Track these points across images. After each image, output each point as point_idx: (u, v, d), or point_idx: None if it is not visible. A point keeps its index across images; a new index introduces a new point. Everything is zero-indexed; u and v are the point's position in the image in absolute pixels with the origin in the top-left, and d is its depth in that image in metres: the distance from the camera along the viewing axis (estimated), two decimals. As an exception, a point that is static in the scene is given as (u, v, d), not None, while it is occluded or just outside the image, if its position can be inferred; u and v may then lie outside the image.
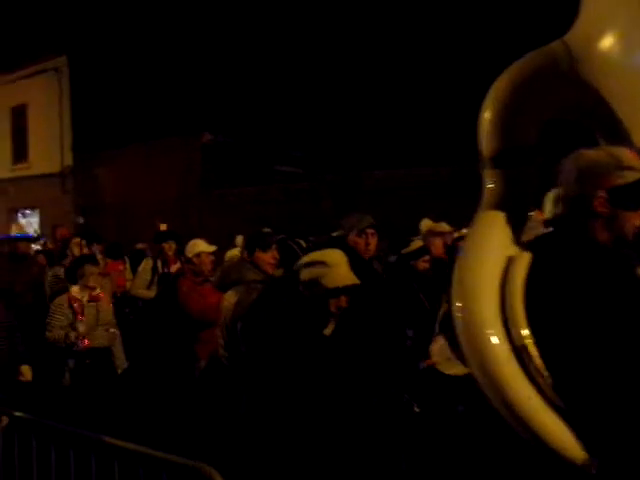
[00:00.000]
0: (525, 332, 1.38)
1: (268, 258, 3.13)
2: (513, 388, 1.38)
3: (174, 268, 5.30)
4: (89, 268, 4.31)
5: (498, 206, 1.65)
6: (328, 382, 2.37)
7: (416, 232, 5.09)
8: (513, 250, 1.52)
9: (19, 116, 16.80)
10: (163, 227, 14.19)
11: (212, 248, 4.74)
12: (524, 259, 1.48)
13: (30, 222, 17.60)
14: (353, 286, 2.45)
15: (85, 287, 4.29)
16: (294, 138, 14.41)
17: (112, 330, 4.35)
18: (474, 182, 7.44)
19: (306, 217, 11.40)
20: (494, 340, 1.40)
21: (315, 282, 2.40)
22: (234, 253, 5.72)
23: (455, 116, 10.90)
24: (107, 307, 4.45)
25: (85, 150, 15.16)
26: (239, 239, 5.98)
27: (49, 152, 16.02)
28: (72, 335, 4.08)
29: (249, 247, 3.15)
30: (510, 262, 1.48)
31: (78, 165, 15.46)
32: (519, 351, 1.37)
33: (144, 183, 13.87)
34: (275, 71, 14.00)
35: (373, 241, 3.02)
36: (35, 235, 8.46)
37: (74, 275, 4.34)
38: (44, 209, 16.35)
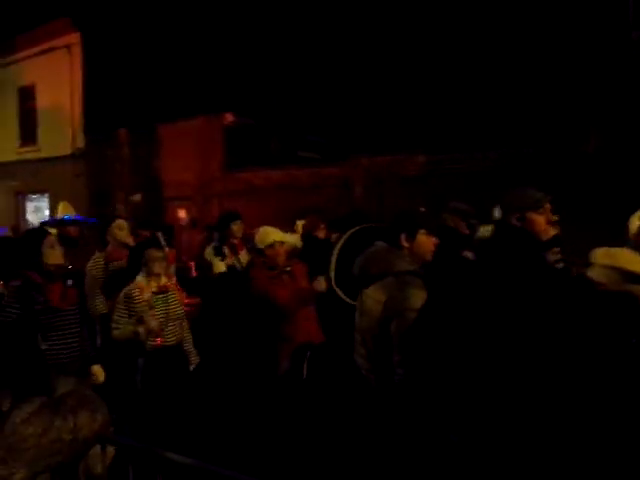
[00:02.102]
0: None
1: (431, 244, 2.60)
2: None
3: (243, 255, 4.73)
4: (153, 253, 3.75)
5: None
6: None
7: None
8: None
9: (27, 97, 16.11)
10: (182, 214, 13.66)
11: (286, 237, 4.18)
12: None
13: (39, 207, 17.05)
14: None
15: (151, 276, 3.74)
16: (314, 123, 13.82)
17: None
18: (523, 166, 6.84)
19: (336, 203, 10.87)
20: None
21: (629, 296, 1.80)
22: (293, 240, 5.20)
23: (501, 99, 10.38)
24: (176, 298, 3.88)
25: (98, 132, 14.54)
26: (299, 225, 5.44)
27: (59, 134, 15.37)
28: (142, 332, 3.55)
29: (409, 230, 2.60)
30: None
31: (90, 147, 14.83)
32: None
33: (161, 166, 13.29)
34: (296, 53, 13.40)
35: (552, 219, 2.49)
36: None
37: (137, 263, 3.77)
38: (54, 193, 15.70)
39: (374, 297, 2.56)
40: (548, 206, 2.49)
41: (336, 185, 11.07)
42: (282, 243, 4.14)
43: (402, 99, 11.83)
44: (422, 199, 9.59)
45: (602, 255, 1.88)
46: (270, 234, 4.15)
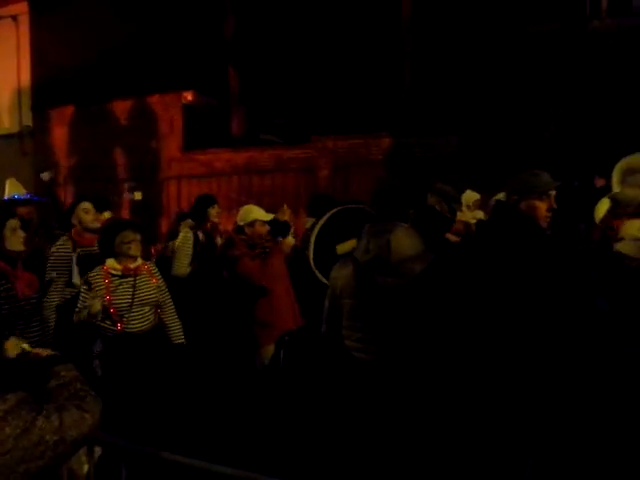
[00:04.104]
0: None
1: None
2: None
3: (218, 241, 4.52)
4: (128, 235, 3.52)
5: None
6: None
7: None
8: None
9: (-32, 70, 15.09)
10: (138, 196, 13.14)
11: (269, 216, 4.04)
12: None
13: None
14: None
15: (124, 259, 3.50)
16: (277, 104, 13.49)
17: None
18: (484, 150, 6.88)
19: (301, 187, 10.72)
20: None
21: None
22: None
23: (463, 85, 10.38)
24: (148, 282, 3.60)
25: (47, 108, 13.77)
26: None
27: (4, 111, 14.51)
28: (91, 313, 3.29)
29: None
30: None
31: (39, 125, 14.05)
32: None
33: (116, 146, 12.72)
34: (259, 33, 13.02)
35: (554, 206, 2.40)
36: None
37: (110, 245, 3.51)
38: (-2, 173, 14.85)
39: None
40: (553, 193, 2.41)
41: (300, 168, 10.88)
42: (264, 223, 4.03)
43: (366, 81, 11.69)
44: (387, 182, 9.58)
45: (637, 229, 1.79)
46: (253, 212, 4.05)
